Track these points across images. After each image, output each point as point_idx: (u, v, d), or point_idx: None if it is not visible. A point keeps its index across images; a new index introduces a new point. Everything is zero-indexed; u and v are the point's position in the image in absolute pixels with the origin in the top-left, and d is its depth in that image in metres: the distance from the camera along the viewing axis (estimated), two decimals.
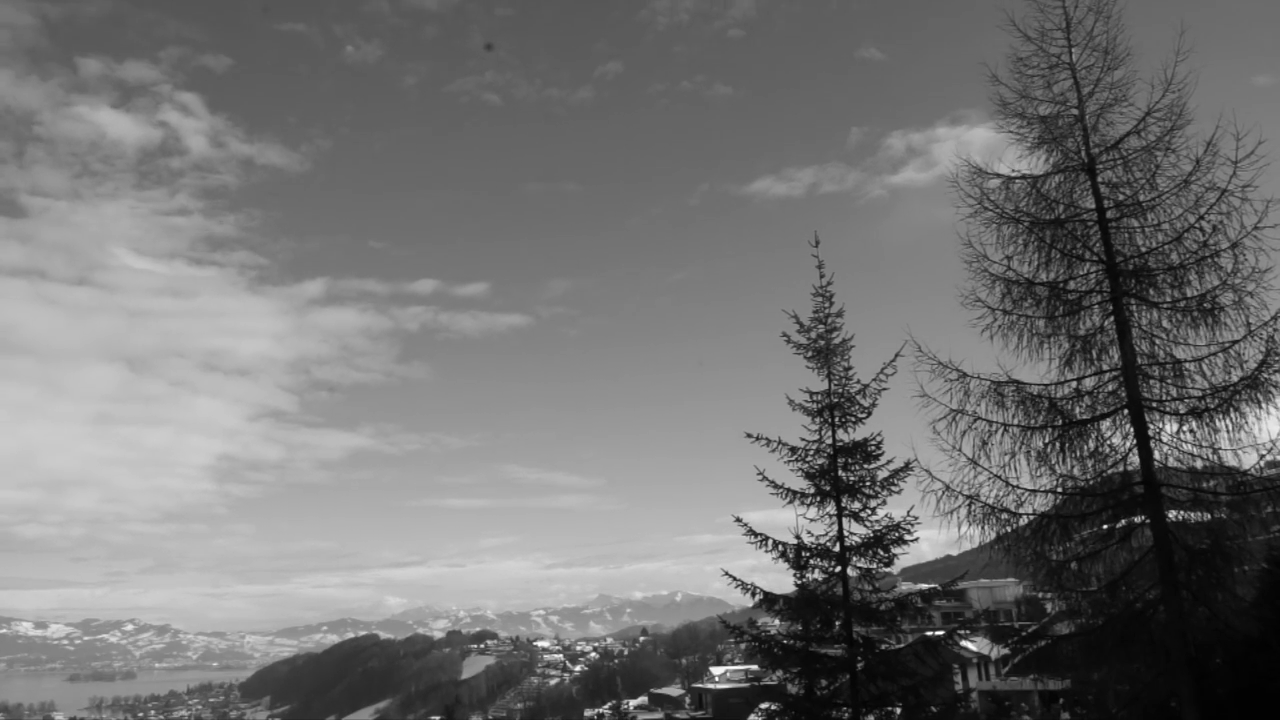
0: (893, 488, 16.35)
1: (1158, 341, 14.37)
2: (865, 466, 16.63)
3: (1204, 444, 13.72)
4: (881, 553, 16.37)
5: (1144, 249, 14.57)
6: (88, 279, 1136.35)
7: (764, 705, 18.06)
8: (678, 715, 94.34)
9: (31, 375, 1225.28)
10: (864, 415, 16.87)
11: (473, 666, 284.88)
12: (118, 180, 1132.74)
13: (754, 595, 16.58)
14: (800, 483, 16.71)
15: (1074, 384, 14.78)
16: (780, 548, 16.47)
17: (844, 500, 16.53)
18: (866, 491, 16.52)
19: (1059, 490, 14.49)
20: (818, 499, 16.61)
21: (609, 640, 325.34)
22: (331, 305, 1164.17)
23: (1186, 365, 14.10)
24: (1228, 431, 13.49)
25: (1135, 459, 14.10)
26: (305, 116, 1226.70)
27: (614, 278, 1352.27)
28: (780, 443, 16.71)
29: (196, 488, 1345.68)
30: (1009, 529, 14.52)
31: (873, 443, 16.63)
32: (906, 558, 17.53)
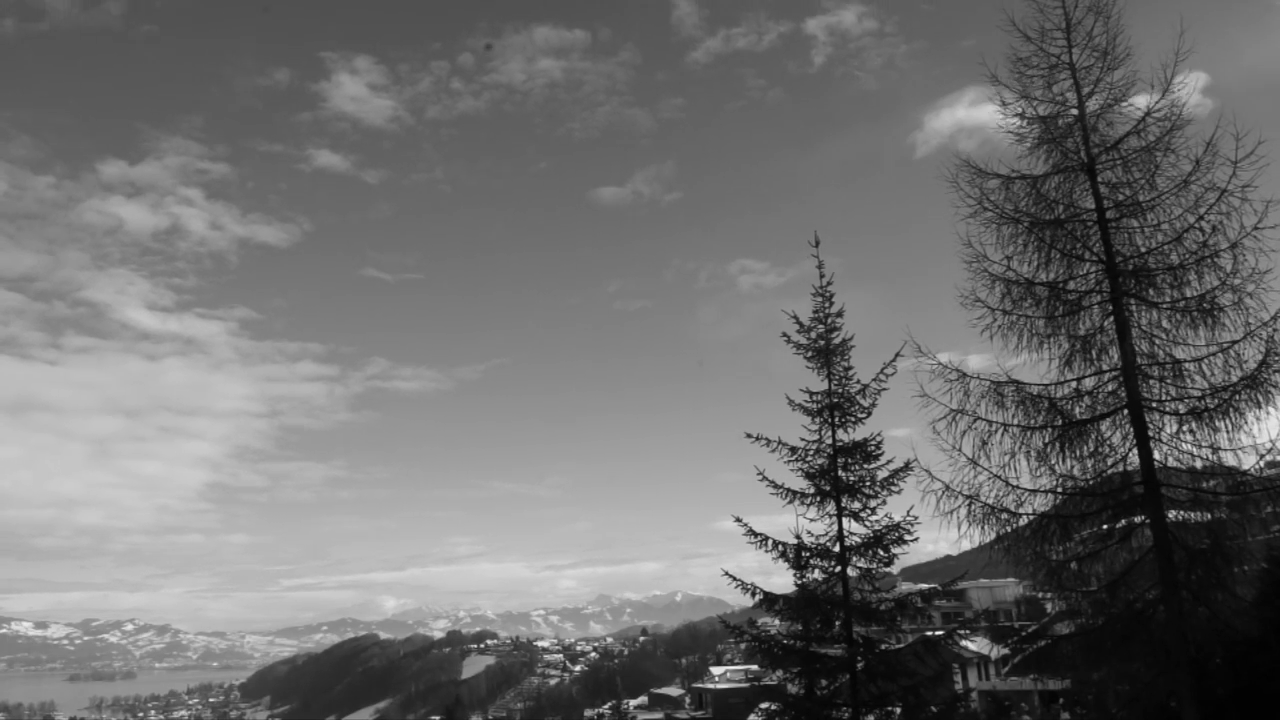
0: (893, 488, 16.33)
1: (1157, 341, 14.38)
2: (865, 466, 16.62)
3: (1204, 444, 13.74)
4: (881, 553, 16.36)
5: (1144, 249, 14.57)
6: (99, 364, 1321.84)
7: (764, 705, 18.04)
8: (678, 715, 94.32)
9: (48, 425, 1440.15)
10: (864, 415, 16.85)
11: (473, 666, 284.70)
12: (125, 251, 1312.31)
13: (754, 595, 16.56)
14: (800, 483, 16.71)
15: (1074, 384, 14.78)
16: (780, 548, 16.46)
17: (844, 500, 16.51)
18: (866, 491, 16.50)
19: (1059, 490, 14.50)
20: (818, 499, 16.59)
21: (609, 640, 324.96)
22: (292, 381, 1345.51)
23: (1186, 365, 14.11)
24: (1227, 431, 13.51)
25: (1135, 459, 14.10)
26: (289, 202, 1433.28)
27: (525, 359, 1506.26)
28: (780, 443, 16.71)
29: (193, 507, 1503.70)
30: (1009, 529, 14.52)
31: (873, 443, 16.61)
32: (906, 557, 17.56)
